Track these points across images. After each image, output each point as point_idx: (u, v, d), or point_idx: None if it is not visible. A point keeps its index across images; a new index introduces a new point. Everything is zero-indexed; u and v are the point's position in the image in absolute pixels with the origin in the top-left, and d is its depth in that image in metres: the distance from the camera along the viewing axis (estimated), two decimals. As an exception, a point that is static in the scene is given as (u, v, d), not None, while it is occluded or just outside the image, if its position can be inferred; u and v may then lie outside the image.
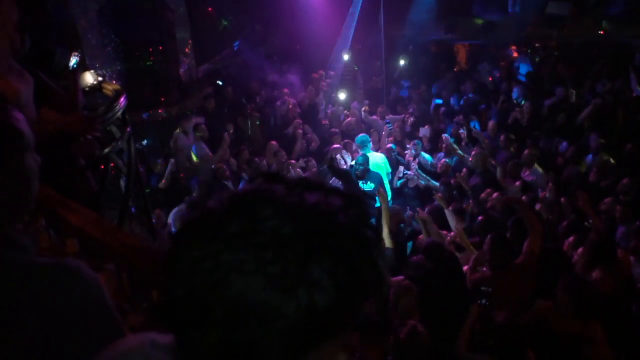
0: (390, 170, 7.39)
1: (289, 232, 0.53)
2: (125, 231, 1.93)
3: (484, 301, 3.47)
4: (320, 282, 0.52)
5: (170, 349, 0.70)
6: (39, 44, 3.02)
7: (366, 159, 6.60)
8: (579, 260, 4.17)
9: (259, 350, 0.51)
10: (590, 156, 7.04)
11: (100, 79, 3.45)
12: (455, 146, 7.70)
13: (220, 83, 10.51)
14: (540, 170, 6.61)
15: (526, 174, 6.53)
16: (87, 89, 3.44)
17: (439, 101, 10.29)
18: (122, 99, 3.30)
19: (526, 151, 6.83)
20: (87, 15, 7.59)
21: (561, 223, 5.24)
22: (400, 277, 3.88)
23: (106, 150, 3.25)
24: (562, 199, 5.56)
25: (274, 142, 7.80)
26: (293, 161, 7.55)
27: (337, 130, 8.96)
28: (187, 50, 10.05)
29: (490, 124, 8.26)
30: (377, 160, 7.12)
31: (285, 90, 9.82)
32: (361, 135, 7.53)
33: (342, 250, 0.54)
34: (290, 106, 9.34)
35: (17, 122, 0.98)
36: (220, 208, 0.56)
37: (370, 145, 7.46)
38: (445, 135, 8.02)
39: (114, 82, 6.98)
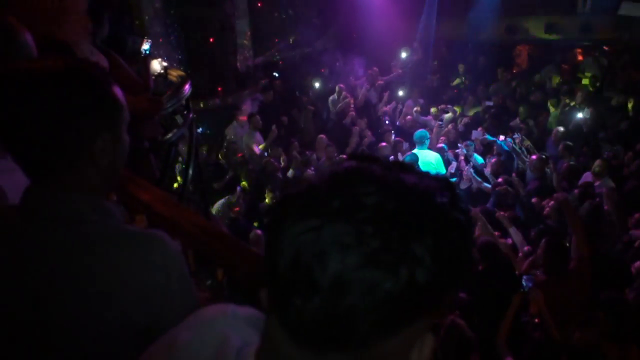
0: (443, 170, 7.23)
1: (391, 209, 0.54)
2: (192, 211, 2.01)
3: (526, 289, 3.42)
4: (421, 259, 0.53)
5: (249, 320, 0.73)
6: (113, 30, 3.18)
7: (415, 158, 6.50)
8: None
9: (356, 321, 0.53)
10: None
11: (165, 64, 3.58)
12: (515, 147, 7.50)
13: (277, 75, 10.66)
14: (611, 183, 6.25)
15: (597, 184, 6.22)
16: (153, 76, 3.60)
17: (490, 103, 9.99)
18: (187, 85, 3.42)
19: (598, 161, 6.46)
20: (154, 5, 7.86)
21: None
22: None
23: (169, 135, 3.39)
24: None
25: (323, 136, 7.82)
26: (344, 156, 7.54)
27: (390, 127, 8.91)
28: (245, 41, 10.25)
29: (555, 131, 7.94)
30: (429, 159, 7.00)
31: (342, 85, 9.79)
32: (420, 131, 7.41)
33: (442, 229, 0.55)
34: (347, 101, 9.33)
35: (119, 94, 1.06)
36: (321, 184, 0.58)
37: (427, 142, 7.33)
38: (508, 140, 7.79)
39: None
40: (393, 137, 8.40)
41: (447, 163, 7.55)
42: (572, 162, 6.78)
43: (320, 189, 0.57)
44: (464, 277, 0.58)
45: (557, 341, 3.20)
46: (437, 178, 0.60)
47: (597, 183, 6.16)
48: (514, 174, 6.63)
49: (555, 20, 11.36)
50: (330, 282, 0.52)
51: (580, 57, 11.72)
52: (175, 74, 3.76)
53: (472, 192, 7.14)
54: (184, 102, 3.46)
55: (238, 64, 9.75)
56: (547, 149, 7.79)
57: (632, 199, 5.91)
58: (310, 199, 0.57)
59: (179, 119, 3.60)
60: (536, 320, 3.58)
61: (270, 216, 0.60)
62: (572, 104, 9.03)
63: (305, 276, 0.53)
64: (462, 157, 7.48)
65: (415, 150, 7.13)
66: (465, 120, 9.29)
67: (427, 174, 0.60)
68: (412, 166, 0.61)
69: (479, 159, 7.72)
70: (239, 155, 7.36)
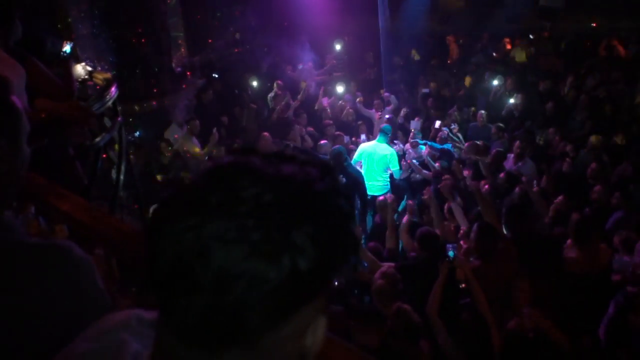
0: (397, 164, 7.21)
1: (269, 200, 0.55)
2: (114, 218, 1.95)
3: (449, 258, 3.55)
4: (302, 247, 0.54)
5: (154, 324, 0.72)
6: (29, 32, 3.02)
7: (342, 150, 6.57)
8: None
9: (244, 315, 0.53)
10: (583, 150, 7.08)
11: (89, 69, 3.44)
12: (452, 136, 7.79)
13: (215, 74, 10.50)
14: (530, 162, 6.65)
15: (519, 165, 6.58)
16: (78, 80, 3.45)
17: (426, 90, 10.28)
18: (112, 88, 3.30)
19: (517, 143, 6.85)
20: (79, 6, 7.52)
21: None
22: (387, 265, 3.96)
23: (97, 139, 3.26)
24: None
25: (266, 134, 7.79)
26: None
27: (331, 121, 8.98)
28: (180, 41, 10.02)
29: (479, 114, 8.31)
30: (385, 152, 6.95)
31: (279, 82, 9.77)
32: (387, 125, 7.43)
33: (321, 216, 0.56)
34: (286, 98, 9.31)
35: (18, 103, 1.01)
36: (199, 181, 0.58)
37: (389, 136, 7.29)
38: (444, 129, 8.06)
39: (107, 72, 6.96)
40: (334, 130, 8.50)
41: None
42: (498, 149, 7.08)
43: (199, 187, 0.57)
44: (347, 261, 0.59)
45: (486, 317, 3.33)
46: (318, 165, 0.61)
47: (519, 164, 6.54)
48: (454, 161, 6.87)
49: (483, 12, 11.85)
50: (213, 279, 0.52)
51: (509, 46, 12.28)
52: (101, 77, 3.61)
53: (411, 182, 7.35)
54: (111, 105, 3.34)
55: (173, 64, 9.52)
56: (469, 134, 8.13)
57: (558, 179, 6.30)
58: (189, 197, 0.56)
59: (107, 123, 3.48)
60: (463, 285, 3.73)
61: (150, 219, 0.59)
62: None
63: (188, 276, 0.53)
64: (409, 148, 7.67)
65: (373, 142, 7.17)
66: (404, 111, 9.52)
67: (309, 161, 0.61)
68: (294, 156, 0.61)
69: (422, 148, 7.92)
70: (169, 154, 7.18)
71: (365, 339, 3.21)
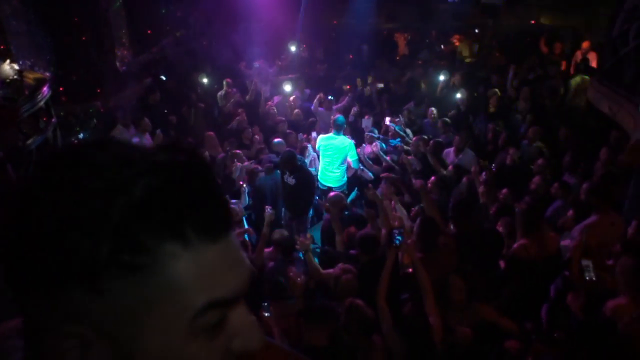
0: (355, 155, 7.29)
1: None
2: None
3: (397, 242, 3.60)
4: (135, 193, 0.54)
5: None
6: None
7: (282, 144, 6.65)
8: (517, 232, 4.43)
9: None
10: (525, 142, 7.37)
11: (17, 68, 3.28)
12: (401, 132, 7.95)
13: (162, 73, 10.25)
14: (471, 153, 6.86)
15: (459, 158, 6.79)
16: (7, 80, 3.28)
17: (381, 86, 10.43)
18: (44, 88, 3.17)
19: (456, 137, 7.08)
20: (10, 2, 7.12)
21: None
22: (342, 266, 3.98)
23: (29, 141, 3.12)
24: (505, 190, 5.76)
25: (211, 133, 7.66)
26: (238, 151, 7.47)
27: (283, 118, 8.96)
28: (123, 40, 9.71)
29: (430, 111, 8.51)
30: (345, 143, 7.05)
31: (229, 80, 9.65)
32: (340, 117, 7.40)
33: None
34: (236, 97, 9.21)
35: None
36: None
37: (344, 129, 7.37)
38: (390, 125, 8.20)
39: (43, 72, 6.65)
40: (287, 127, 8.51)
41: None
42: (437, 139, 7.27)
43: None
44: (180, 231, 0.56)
45: (429, 308, 3.40)
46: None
47: (460, 156, 6.75)
48: (402, 155, 7.01)
49: (428, 8, 12.12)
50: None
51: (456, 42, 12.62)
52: (32, 76, 3.45)
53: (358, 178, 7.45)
54: (43, 105, 3.20)
55: (117, 63, 9.21)
56: (425, 130, 8.32)
57: (501, 172, 6.53)
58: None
59: (42, 123, 3.32)
60: (409, 270, 3.80)
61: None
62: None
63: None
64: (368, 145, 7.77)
65: (331, 134, 7.21)
66: (355, 109, 9.59)
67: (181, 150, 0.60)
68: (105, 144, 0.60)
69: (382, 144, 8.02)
70: None
71: (314, 338, 3.22)
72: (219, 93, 9.47)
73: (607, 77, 6.15)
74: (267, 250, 5.12)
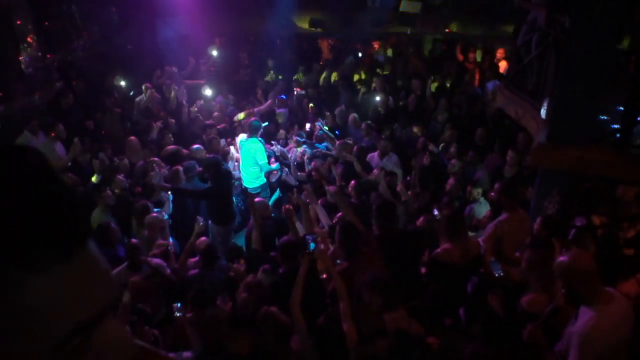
0: (264, 158, 7.27)
1: None
2: None
3: (309, 250, 3.62)
4: None
5: None
6: None
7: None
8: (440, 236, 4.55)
9: None
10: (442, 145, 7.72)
11: None
12: (329, 134, 8.04)
13: (74, 76, 9.66)
14: (395, 157, 7.08)
15: (384, 161, 6.99)
16: None
17: (302, 92, 10.49)
18: None
19: (381, 141, 7.27)
20: None
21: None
22: (251, 276, 3.94)
23: None
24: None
25: (133, 138, 7.34)
26: (157, 158, 7.20)
27: (212, 122, 8.80)
28: (29, 39, 9.06)
29: (351, 116, 8.67)
30: (256, 148, 7.07)
31: (148, 85, 9.28)
32: (255, 121, 7.38)
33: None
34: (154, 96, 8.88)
35: None
36: None
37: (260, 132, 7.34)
38: (317, 124, 8.27)
39: None
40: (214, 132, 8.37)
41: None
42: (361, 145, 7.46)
43: None
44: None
45: (345, 315, 3.41)
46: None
47: (384, 159, 6.96)
48: (319, 162, 7.09)
49: (349, 16, 12.39)
50: None
51: (376, 48, 12.97)
52: None
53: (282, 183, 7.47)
54: None
55: (23, 65, 8.57)
56: (349, 134, 8.49)
57: (424, 174, 6.79)
58: None
59: None
60: (324, 275, 3.82)
61: None
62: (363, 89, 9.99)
63: None
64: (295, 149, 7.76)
65: (243, 137, 7.23)
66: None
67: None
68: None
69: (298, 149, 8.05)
70: None
71: (238, 346, 3.17)
72: (137, 98, 9.07)
73: (513, 83, 6.58)
74: (191, 260, 5.00)
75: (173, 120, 8.69)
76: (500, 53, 10.30)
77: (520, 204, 4.98)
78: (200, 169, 6.68)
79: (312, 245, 3.68)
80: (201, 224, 5.02)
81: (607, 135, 4.72)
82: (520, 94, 6.20)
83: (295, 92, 10.35)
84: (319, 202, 5.38)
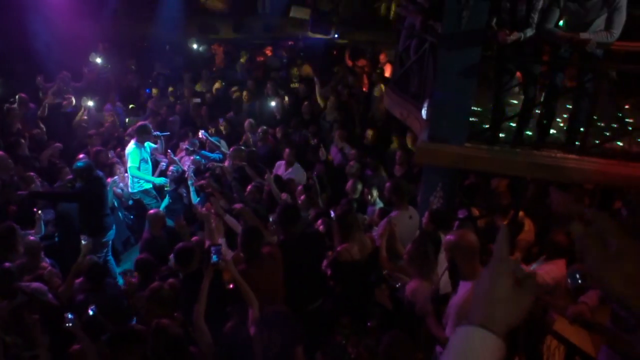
0: (137, 162, 7.12)
1: None
2: None
3: (213, 261, 3.57)
4: None
5: None
6: None
7: None
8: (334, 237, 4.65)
9: None
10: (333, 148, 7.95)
11: None
12: (215, 142, 7.92)
13: None
14: (300, 168, 7.16)
15: (289, 172, 7.01)
16: None
17: (198, 100, 10.28)
18: None
19: (287, 150, 7.21)
20: None
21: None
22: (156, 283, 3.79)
23: None
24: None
25: (1, 153, 6.65)
26: (32, 173, 6.60)
27: (94, 131, 8.27)
28: None
29: (247, 122, 8.64)
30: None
31: (22, 95, 8.44)
32: (142, 124, 7.20)
33: None
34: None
35: None
36: None
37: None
38: (202, 132, 8.11)
39: None
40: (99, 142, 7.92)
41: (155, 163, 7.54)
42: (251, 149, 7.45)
43: None
44: None
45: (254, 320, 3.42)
46: None
47: (290, 170, 7.01)
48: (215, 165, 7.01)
49: (241, 21, 12.33)
50: None
51: (268, 53, 13.02)
52: None
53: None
54: None
55: None
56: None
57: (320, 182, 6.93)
58: None
59: None
60: (231, 286, 3.79)
61: None
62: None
63: None
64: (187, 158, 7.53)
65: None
66: (171, 119, 9.30)
67: None
68: None
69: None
70: None
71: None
72: (5, 106, 8.18)
73: (398, 85, 6.95)
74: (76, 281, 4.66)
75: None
76: (382, 57, 10.81)
77: (409, 201, 5.28)
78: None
79: (214, 258, 3.57)
80: (84, 242, 4.68)
81: (479, 132, 5.14)
82: (404, 96, 6.56)
83: (190, 100, 10.11)
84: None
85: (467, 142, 4.95)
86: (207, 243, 4.57)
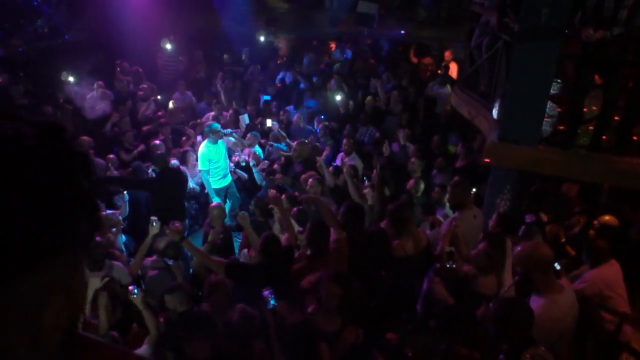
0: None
1: None
2: None
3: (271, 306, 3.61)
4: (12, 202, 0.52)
5: None
6: None
7: None
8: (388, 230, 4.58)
9: None
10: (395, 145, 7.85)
11: None
12: (283, 134, 8.02)
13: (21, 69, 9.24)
14: (357, 157, 7.13)
15: (346, 160, 7.02)
16: None
17: (267, 97, 10.43)
18: None
19: (345, 141, 7.26)
20: None
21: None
22: (213, 276, 3.91)
23: None
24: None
25: (86, 138, 7.09)
26: (112, 156, 7.01)
27: (165, 120, 8.60)
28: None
29: (295, 116, 8.72)
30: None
31: (100, 83, 8.96)
32: (213, 123, 7.29)
33: (31, 169, 0.54)
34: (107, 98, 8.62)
35: None
36: None
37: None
38: (274, 124, 8.22)
39: None
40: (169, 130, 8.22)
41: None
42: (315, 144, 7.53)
43: None
44: (82, 217, 0.58)
45: None
46: (41, 125, 0.59)
47: (346, 159, 7.01)
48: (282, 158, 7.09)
49: (308, 15, 12.43)
50: None
51: (333, 47, 13.06)
52: None
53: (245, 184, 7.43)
54: None
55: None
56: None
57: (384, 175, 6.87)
58: None
59: None
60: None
61: None
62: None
63: None
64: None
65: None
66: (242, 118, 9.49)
67: (30, 121, 0.59)
68: (14, 115, 0.59)
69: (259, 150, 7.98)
70: None
71: (196, 350, 3.10)
72: (89, 95, 8.70)
73: (466, 84, 6.80)
74: (149, 259, 4.91)
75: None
76: (447, 55, 10.56)
77: (473, 201, 5.15)
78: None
79: (272, 302, 3.53)
80: (154, 225, 4.90)
81: (554, 135, 4.95)
82: (473, 94, 6.40)
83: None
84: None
85: (540, 145, 4.78)
86: (286, 236, 4.65)
